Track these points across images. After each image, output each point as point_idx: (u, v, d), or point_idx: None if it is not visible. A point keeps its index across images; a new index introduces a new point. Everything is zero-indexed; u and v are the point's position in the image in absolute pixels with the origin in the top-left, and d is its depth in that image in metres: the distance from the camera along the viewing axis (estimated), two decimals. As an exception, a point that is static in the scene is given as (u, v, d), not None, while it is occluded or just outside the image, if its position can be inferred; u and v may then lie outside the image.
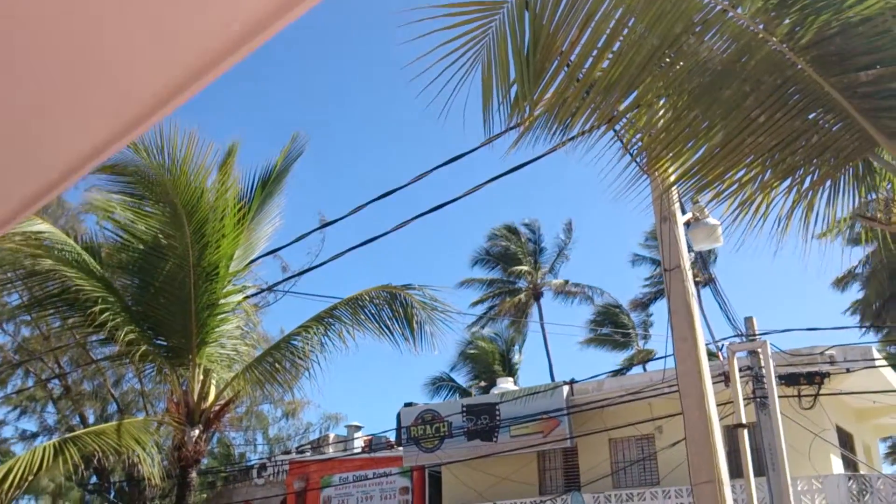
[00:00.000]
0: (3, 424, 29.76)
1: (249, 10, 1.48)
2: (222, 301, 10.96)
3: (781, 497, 10.89)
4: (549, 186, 63.30)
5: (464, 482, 22.22)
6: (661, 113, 5.29)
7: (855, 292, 29.83)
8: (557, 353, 70.90)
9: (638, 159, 5.43)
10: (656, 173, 5.66)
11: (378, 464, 24.72)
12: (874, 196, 5.64)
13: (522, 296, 37.45)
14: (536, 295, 37.78)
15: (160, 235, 10.55)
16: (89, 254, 10.83)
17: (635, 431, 19.70)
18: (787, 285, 63.07)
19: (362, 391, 58.55)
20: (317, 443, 29.77)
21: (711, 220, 9.62)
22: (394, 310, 10.73)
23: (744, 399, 11.10)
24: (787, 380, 17.15)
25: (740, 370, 11.76)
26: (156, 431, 14.00)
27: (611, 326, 35.94)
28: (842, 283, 29.77)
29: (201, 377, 10.91)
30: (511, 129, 5.46)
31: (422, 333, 10.54)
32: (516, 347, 36.73)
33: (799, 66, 4.73)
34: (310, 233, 11.47)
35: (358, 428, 28.45)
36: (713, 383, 7.58)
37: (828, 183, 5.29)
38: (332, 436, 29.57)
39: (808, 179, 5.21)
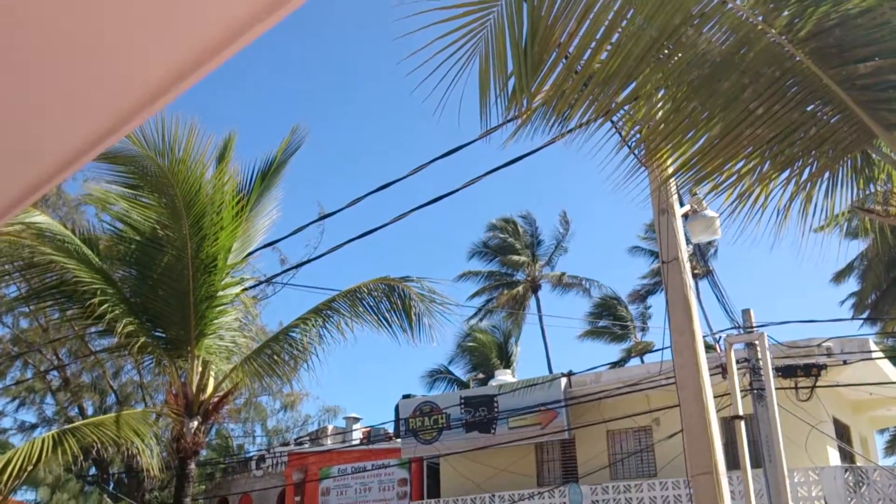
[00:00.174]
0: (1, 415, 29.80)
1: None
2: (221, 293, 10.96)
3: (778, 488, 10.93)
4: (547, 179, 63.30)
5: (462, 474, 22.28)
6: (659, 104, 5.28)
7: (852, 285, 29.87)
8: (555, 346, 71.00)
9: (636, 151, 5.43)
10: (654, 165, 5.66)
11: (376, 455, 24.77)
12: (872, 188, 5.64)
13: (520, 288, 37.49)
14: (534, 287, 37.83)
15: (158, 227, 10.54)
16: (87, 245, 10.82)
17: (633, 423, 19.75)
18: (784, 278, 63.14)
19: (360, 383, 58.66)
20: (315, 434, 29.82)
21: (709, 213, 9.61)
22: (392, 302, 10.73)
23: (741, 391, 11.13)
24: (784, 372, 17.19)
25: (737, 362, 11.79)
26: (154, 423, 14.01)
27: (609, 318, 36.00)
28: (841, 277, 29.78)
29: (200, 369, 10.92)
30: (509, 121, 5.46)
31: (420, 325, 10.55)
32: (514, 340, 36.79)
33: (797, 58, 4.73)
34: (308, 224, 11.49)
35: (356, 420, 28.51)
36: (710, 375, 7.60)
37: (826, 175, 5.29)
38: (330, 427, 29.62)
39: (806, 171, 5.21)
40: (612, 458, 20.70)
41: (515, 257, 37.48)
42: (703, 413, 7.15)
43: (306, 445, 28.67)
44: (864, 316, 27.78)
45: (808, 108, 4.95)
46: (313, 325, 10.96)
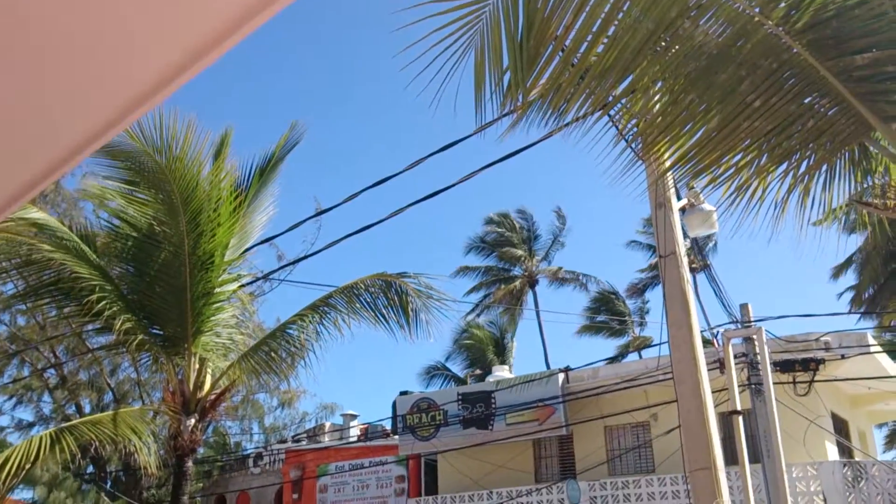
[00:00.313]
0: (-2, 414, 29.78)
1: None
2: (218, 290, 10.94)
3: (776, 484, 10.93)
4: (544, 173, 63.28)
5: (460, 470, 22.28)
6: (656, 97, 5.26)
7: (851, 279, 29.88)
8: (553, 341, 71.09)
9: (633, 145, 5.41)
10: (651, 159, 5.64)
11: (374, 452, 24.76)
12: (870, 181, 5.62)
13: (517, 283, 37.49)
14: (532, 282, 37.84)
15: (155, 224, 10.52)
16: (85, 242, 10.79)
17: (631, 419, 19.76)
18: (782, 272, 63.22)
19: (357, 380, 58.71)
20: (313, 431, 29.81)
21: (707, 206, 9.60)
22: (389, 298, 10.72)
23: (739, 386, 11.13)
24: (783, 366, 17.20)
25: (735, 357, 11.78)
26: (152, 421, 14.01)
27: (607, 313, 36.01)
28: (840, 272, 29.78)
29: (197, 366, 10.90)
30: (505, 115, 5.43)
31: (417, 322, 10.54)
32: (510, 335, 36.79)
33: (794, 50, 4.71)
34: (305, 220, 11.42)
35: (354, 417, 28.50)
36: (708, 370, 7.59)
37: (824, 167, 5.28)
38: (328, 424, 29.62)
39: (804, 164, 5.19)
40: (610, 454, 20.71)
41: (512, 250, 37.46)
42: (701, 408, 7.14)
43: (304, 443, 28.67)
44: (863, 310, 27.79)
45: (806, 101, 4.93)
46: (310, 322, 10.94)
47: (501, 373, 24.57)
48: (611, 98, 5.28)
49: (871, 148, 5.38)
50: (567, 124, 5.42)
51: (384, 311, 10.75)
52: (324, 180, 57.90)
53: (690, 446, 7.15)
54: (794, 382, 17.51)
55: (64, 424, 11.54)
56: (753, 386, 12.69)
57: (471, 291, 38.09)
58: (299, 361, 11.17)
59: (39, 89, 1.72)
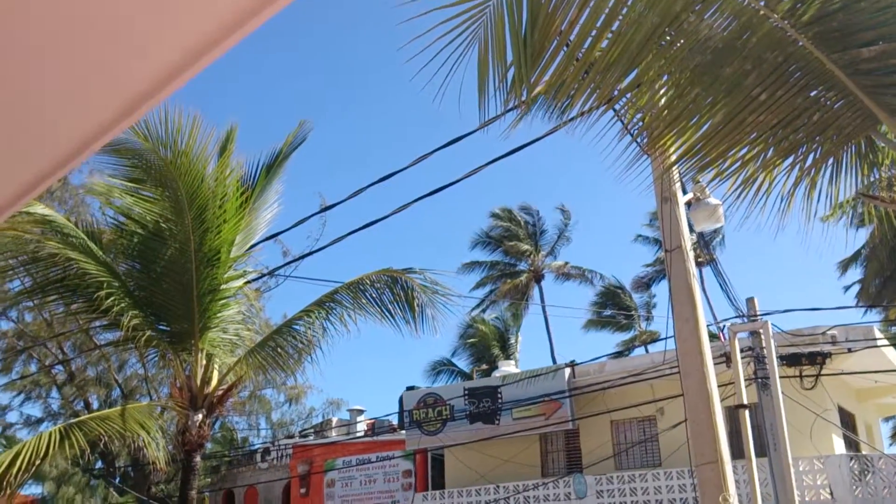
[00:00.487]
0: (7, 410, 29.91)
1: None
2: (224, 286, 10.97)
3: (783, 477, 10.92)
4: (550, 168, 63.20)
5: (466, 465, 22.32)
6: (662, 91, 5.25)
7: (857, 272, 29.77)
8: (559, 336, 71.03)
9: (639, 139, 5.40)
10: (657, 153, 5.63)
11: (381, 447, 24.82)
12: (877, 174, 5.60)
13: (523, 278, 37.47)
14: (537, 277, 37.81)
15: (161, 220, 10.54)
16: (91, 239, 10.82)
17: (637, 413, 19.75)
18: (789, 266, 63.06)
19: (364, 376, 58.84)
20: (320, 427, 29.89)
21: (713, 200, 9.57)
22: (395, 293, 10.72)
23: (745, 380, 11.10)
24: (789, 360, 17.18)
25: (742, 351, 11.76)
26: (160, 416, 14.04)
27: (613, 308, 35.98)
28: (847, 266, 29.67)
29: (204, 362, 10.94)
30: (509, 110, 5.43)
31: (423, 317, 10.54)
32: (515, 330, 36.76)
33: (800, 43, 4.70)
34: (310, 216, 11.48)
35: (360, 412, 28.56)
36: (714, 364, 7.58)
37: (830, 161, 5.26)
38: (334, 420, 29.69)
39: (810, 157, 5.17)
40: (617, 448, 20.71)
41: (518, 245, 37.43)
42: (707, 402, 7.13)
43: (311, 438, 28.75)
44: (869, 303, 27.69)
45: (812, 94, 4.91)
46: (316, 318, 10.95)
47: (508, 368, 24.60)
48: (616, 92, 5.26)
49: (878, 141, 5.36)
50: (572, 119, 5.41)
51: (390, 306, 10.75)
52: (329, 177, 57.97)
53: (697, 440, 7.15)
54: (801, 376, 17.49)
55: (72, 420, 11.58)
56: (760, 380, 12.67)
57: (477, 286, 38.12)
58: (306, 357, 11.20)
59: (45, 85, 1.73)
